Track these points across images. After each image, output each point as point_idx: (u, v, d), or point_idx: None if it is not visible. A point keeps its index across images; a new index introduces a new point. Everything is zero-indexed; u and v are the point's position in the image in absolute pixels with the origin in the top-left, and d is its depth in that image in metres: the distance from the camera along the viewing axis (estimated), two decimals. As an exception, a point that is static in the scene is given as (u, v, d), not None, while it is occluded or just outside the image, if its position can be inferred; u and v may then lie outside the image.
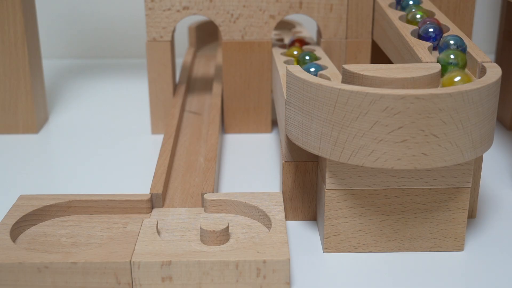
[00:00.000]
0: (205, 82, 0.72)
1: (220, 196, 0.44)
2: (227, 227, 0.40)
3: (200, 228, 0.40)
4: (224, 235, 0.40)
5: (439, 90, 0.37)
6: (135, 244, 0.38)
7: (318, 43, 0.64)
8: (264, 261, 0.37)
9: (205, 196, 0.44)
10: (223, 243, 0.40)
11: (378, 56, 0.64)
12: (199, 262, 0.37)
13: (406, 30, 0.50)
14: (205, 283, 0.37)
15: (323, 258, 0.42)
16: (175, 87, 0.65)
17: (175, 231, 0.42)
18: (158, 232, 0.41)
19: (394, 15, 0.54)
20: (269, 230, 0.41)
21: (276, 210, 0.42)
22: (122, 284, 0.37)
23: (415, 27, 0.51)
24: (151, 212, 0.44)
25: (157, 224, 0.41)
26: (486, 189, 0.52)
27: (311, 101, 0.39)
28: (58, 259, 0.37)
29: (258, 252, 0.37)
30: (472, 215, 0.47)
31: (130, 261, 0.37)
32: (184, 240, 0.41)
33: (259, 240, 0.40)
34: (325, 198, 0.41)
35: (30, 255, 0.37)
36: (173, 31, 0.61)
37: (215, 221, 0.40)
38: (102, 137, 0.64)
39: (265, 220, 0.42)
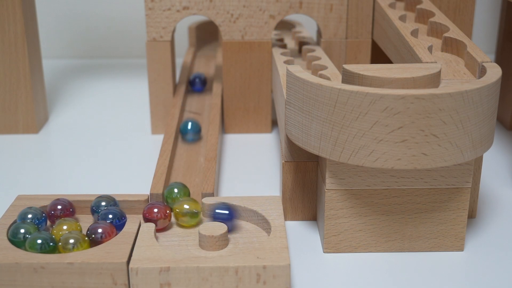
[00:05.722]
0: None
1: (218, 200, 0.43)
2: (226, 232, 0.40)
3: (199, 233, 0.40)
4: (223, 240, 0.40)
5: (439, 90, 0.36)
6: (132, 246, 0.38)
7: (318, 43, 0.64)
8: (264, 267, 0.36)
9: (203, 200, 0.43)
10: (222, 248, 0.40)
11: (378, 56, 0.64)
12: (198, 268, 0.36)
13: (406, 30, 0.50)
14: (204, 289, 0.37)
15: (323, 258, 0.42)
16: (175, 87, 0.65)
17: (173, 236, 0.41)
18: (156, 237, 0.40)
19: (394, 15, 0.54)
20: (268, 235, 0.41)
21: (276, 214, 0.42)
22: (118, 285, 0.37)
23: (416, 27, 0.51)
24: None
25: (155, 229, 0.40)
26: (486, 189, 0.51)
27: (311, 101, 0.39)
28: (54, 260, 0.36)
29: (258, 257, 0.37)
30: (472, 215, 0.47)
31: (127, 261, 0.36)
32: (183, 245, 0.40)
33: (259, 245, 0.40)
34: (325, 198, 0.41)
35: (27, 255, 0.37)
36: (173, 31, 0.61)
37: (214, 225, 0.40)
38: (102, 137, 0.64)
39: (265, 224, 0.42)
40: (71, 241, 0.38)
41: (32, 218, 0.40)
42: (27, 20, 0.61)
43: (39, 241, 0.38)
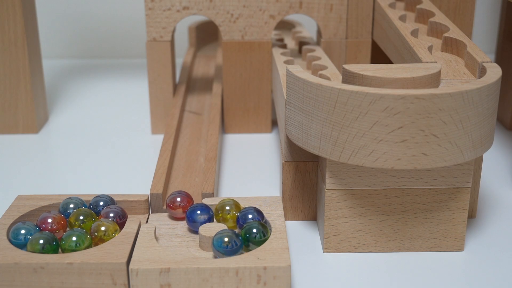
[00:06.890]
0: (205, 82, 0.72)
1: (218, 200, 0.43)
2: None
3: (199, 234, 0.40)
4: None
5: (439, 90, 0.36)
6: (132, 246, 0.38)
7: (318, 43, 0.64)
8: (265, 268, 0.36)
9: (203, 201, 0.43)
10: None
11: (378, 56, 0.64)
12: (198, 269, 0.36)
13: (406, 30, 0.50)
14: (204, 290, 0.37)
15: (323, 258, 0.42)
16: (175, 87, 0.65)
17: (174, 237, 0.41)
18: (156, 238, 0.40)
19: (394, 15, 0.54)
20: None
21: (276, 215, 0.42)
22: (118, 285, 0.37)
23: (416, 27, 0.51)
24: (148, 212, 0.44)
25: (155, 230, 0.40)
26: (486, 189, 0.51)
27: (311, 101, 0.39)
28: (54, 260, 0.36)
29: (258, 258, 0.37)
30: (472, 215, 0.47)
31: (127, 262, 0.36)
32: (183, 246, 0.40)
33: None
34: (325, 198, 0.41)
35: (26, 256, 0.37)
36: (173, 31, 0.61)
37: (214, 226, 0.40)
38: (102, 137, 0.64)
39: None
40: (103, 228, 0.39)
41: (25, 235, 0.39)
42: (27, 20, 0.61)
43: (41, 241, 0.38)
